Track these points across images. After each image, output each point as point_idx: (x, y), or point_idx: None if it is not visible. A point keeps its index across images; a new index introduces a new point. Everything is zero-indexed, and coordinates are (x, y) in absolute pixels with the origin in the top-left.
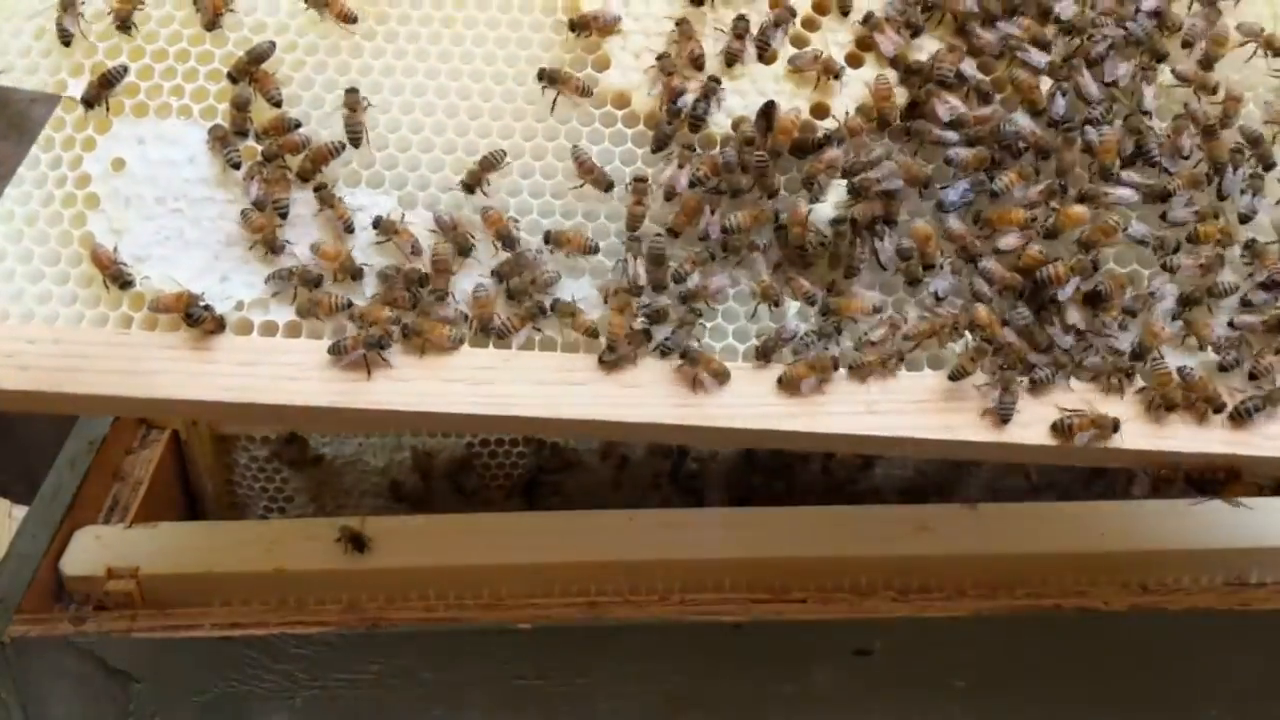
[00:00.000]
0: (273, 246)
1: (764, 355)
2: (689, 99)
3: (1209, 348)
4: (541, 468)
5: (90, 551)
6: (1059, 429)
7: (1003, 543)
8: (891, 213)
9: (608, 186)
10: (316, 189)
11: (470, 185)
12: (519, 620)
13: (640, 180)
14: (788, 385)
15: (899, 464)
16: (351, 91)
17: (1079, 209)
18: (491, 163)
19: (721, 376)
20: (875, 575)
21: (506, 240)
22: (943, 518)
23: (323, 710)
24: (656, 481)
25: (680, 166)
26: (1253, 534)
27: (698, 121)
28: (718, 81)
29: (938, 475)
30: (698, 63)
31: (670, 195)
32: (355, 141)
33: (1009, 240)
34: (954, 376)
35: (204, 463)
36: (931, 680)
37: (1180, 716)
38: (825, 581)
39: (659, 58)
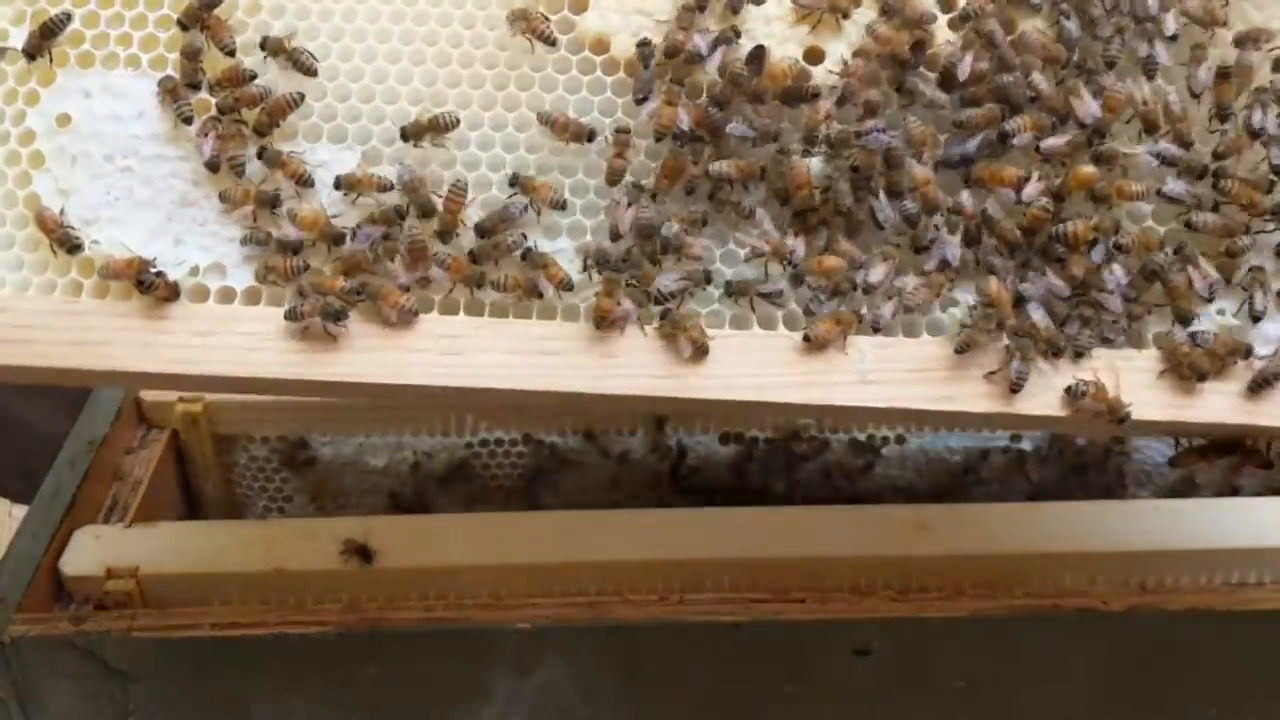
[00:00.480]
0: (273, 203)
1: (734, 294)
2: (700, 42)
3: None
4: (540, 468)
5: (90, 551)
6: (1072, 393)
7: (1003, 543)
8: (894, 165)
9: (589, 136)
10: (260, 153)
11: (407, 135)
12: (519, 620)
13: (622, 131)
14: (817, 344)
15: (898, 464)
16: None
17: (1089, 169)
18: (439, 126)
19: (700, 346)
20: (875, 575)
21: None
22: (943, 518)
23: (323, 710)
24: (656, 481)
25: (669, 104)
26: (1253, 534)
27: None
28: (737, 33)
29: (937, 483)
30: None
31: (661, 135)
32: (308, 71)
33: (1030, 190)
34: (961, 350)
35: (204, 463)
36: (931, 680)
37: (1180, 716)
38: (825, 581)
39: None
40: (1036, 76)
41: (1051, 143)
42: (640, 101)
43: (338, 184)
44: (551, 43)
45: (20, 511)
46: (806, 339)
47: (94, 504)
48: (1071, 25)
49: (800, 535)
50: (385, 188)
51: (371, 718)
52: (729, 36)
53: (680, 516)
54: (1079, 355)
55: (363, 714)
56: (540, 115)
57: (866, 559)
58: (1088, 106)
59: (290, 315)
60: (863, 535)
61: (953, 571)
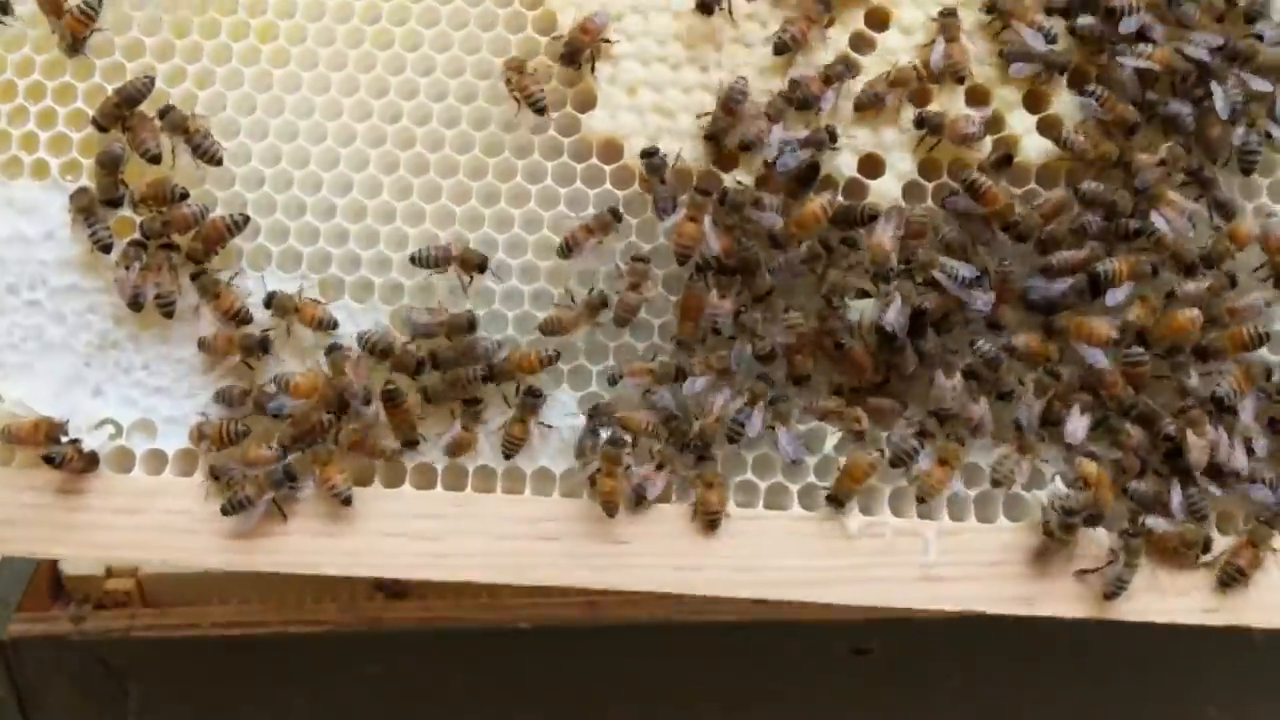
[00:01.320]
0: (264, 348)
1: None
2: (776, 138)
3: None
4: None
5: None
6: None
7: None
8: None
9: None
10: (194, 277)
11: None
12: (519, 620)
13: (639, 260)
14: (926, 493)
15: None
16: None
17: (1187, 314)
18: (459, 327)
19: (713, 519)
20: None
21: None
22: None
23: (322, 710)
24: None
25: (692, 219)
26: None
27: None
28: (834, 137)
29: None
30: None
31: (684, 257)
32: (211, 159)
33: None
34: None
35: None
36: (930, 680)
37: (1180, 717)
38: None
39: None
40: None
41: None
42: (662, 214)
43: (268, 302)
44: (540, 110)
45: None
46: (921, 500)
47: None
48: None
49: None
50: (327, 324)
51: (372, 718)
52: (820, 139)
53: None
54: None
55: (363, 714)
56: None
57: None
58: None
59: (227, 510)
60: None
61: None
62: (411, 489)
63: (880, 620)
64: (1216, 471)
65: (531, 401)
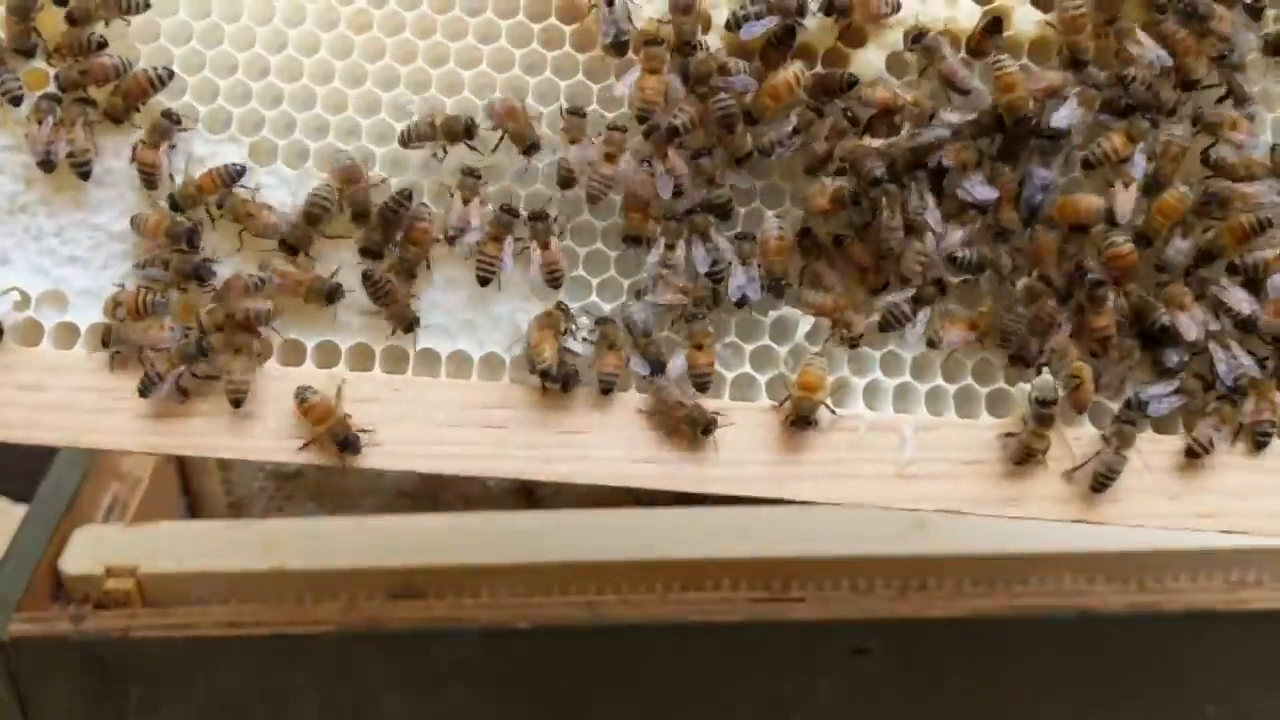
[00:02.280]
0: (189, 239)
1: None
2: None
3: None
4: None
5: (89, 550)
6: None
7: (1002, 543)
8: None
9: (528, 148)
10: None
11: (293, 247)
12: (519, 620)
13: (615, 129)
14: (945, 348)
15: None
16: None
17: (1174, 193)
18: (313, 216)
19: (703, 424)
20: (875, 575)
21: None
22: (942, 517)
23: (322, 710)
24: None
25: (652, 71)
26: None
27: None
28: (802, 9)
29: None
30: None
31: (646, 115)
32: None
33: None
34: (1020, 460)
35: (204, 462)
36: (930, 680)
37: (1179, 716)
38: (825, 581)
39: None
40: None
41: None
42: (612, 50)
43: (173, 204)
44: None
45: (20, 510)
46: (931, 343)
47: (94, 503)
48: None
49: (800, 535)
50: (270, 233)
51: (371, 718)
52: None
53: (680, 516)
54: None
55: (363, 714)
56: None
57: (866, 559)
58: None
59: (144, 389)
60: (863, 535)
61: (952, 571)
62: (346, 369)
63: (880, 620)
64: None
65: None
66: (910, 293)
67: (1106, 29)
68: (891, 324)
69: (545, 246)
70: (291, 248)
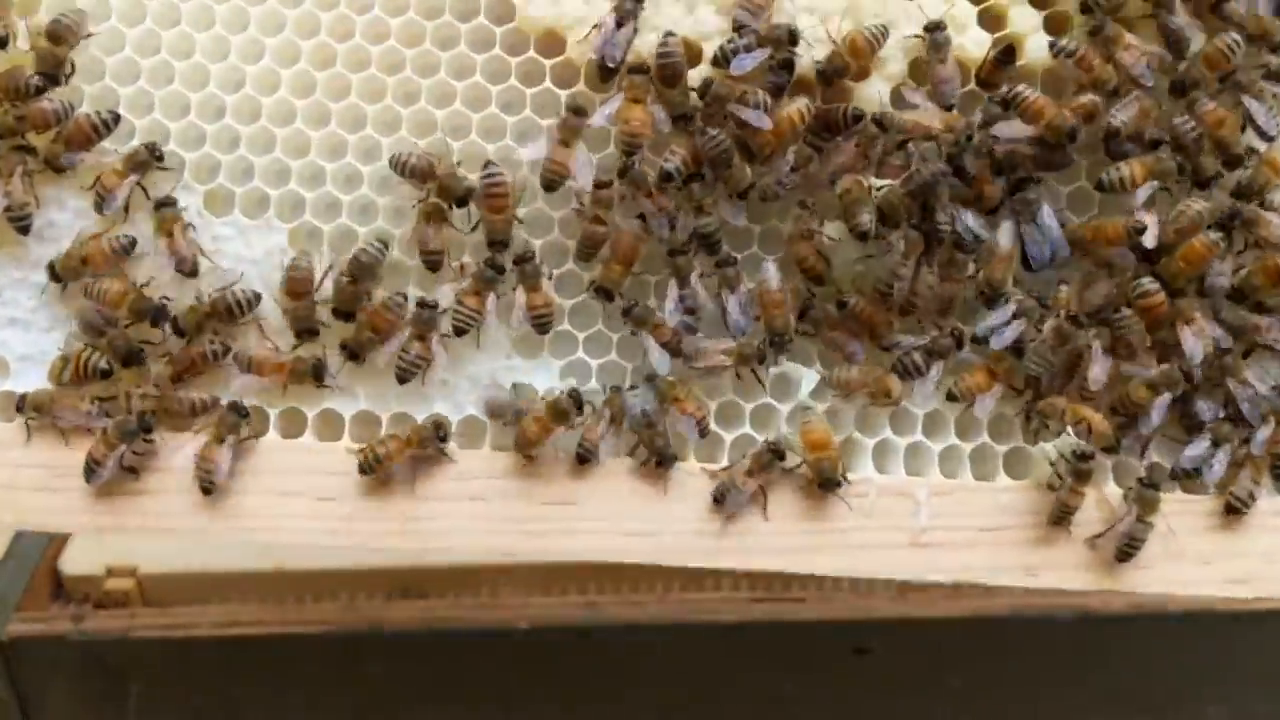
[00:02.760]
0: (156, 321)
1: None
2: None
3: None
4: None
5: (89, 550)
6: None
7: None
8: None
9: (459, 198)
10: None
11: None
12: (519, 620)
13: (602, 186)
14: (964, 398)
15: None
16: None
17: (1204, 239)
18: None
19: (703, 423)
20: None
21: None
22: None
23: (323, 710)
24: None
25: (635, 100)
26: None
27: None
28: (794, 38)
29: None
30: None
31: (630, 149)
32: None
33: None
34: (1057, 519)
35: None
36: (930, 679)
37: (1180, 716)
38: (825, 581)
39: None
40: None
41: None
42: (600, 71)
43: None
44: None
45: None
46: (952, 397)
47: None
48: None
49: None
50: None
51: (371, 718)
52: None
53: None
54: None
55: (363, 714)
56: (392, 159)
57: None
58: None
59: (88, 474)
60: None
61: None
62: (314, 440)
63: (880, 620)
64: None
65: (532, 268)
66: (923, 341)
67: (1098, 41)
68: (902, 376)
69: (534, 289)
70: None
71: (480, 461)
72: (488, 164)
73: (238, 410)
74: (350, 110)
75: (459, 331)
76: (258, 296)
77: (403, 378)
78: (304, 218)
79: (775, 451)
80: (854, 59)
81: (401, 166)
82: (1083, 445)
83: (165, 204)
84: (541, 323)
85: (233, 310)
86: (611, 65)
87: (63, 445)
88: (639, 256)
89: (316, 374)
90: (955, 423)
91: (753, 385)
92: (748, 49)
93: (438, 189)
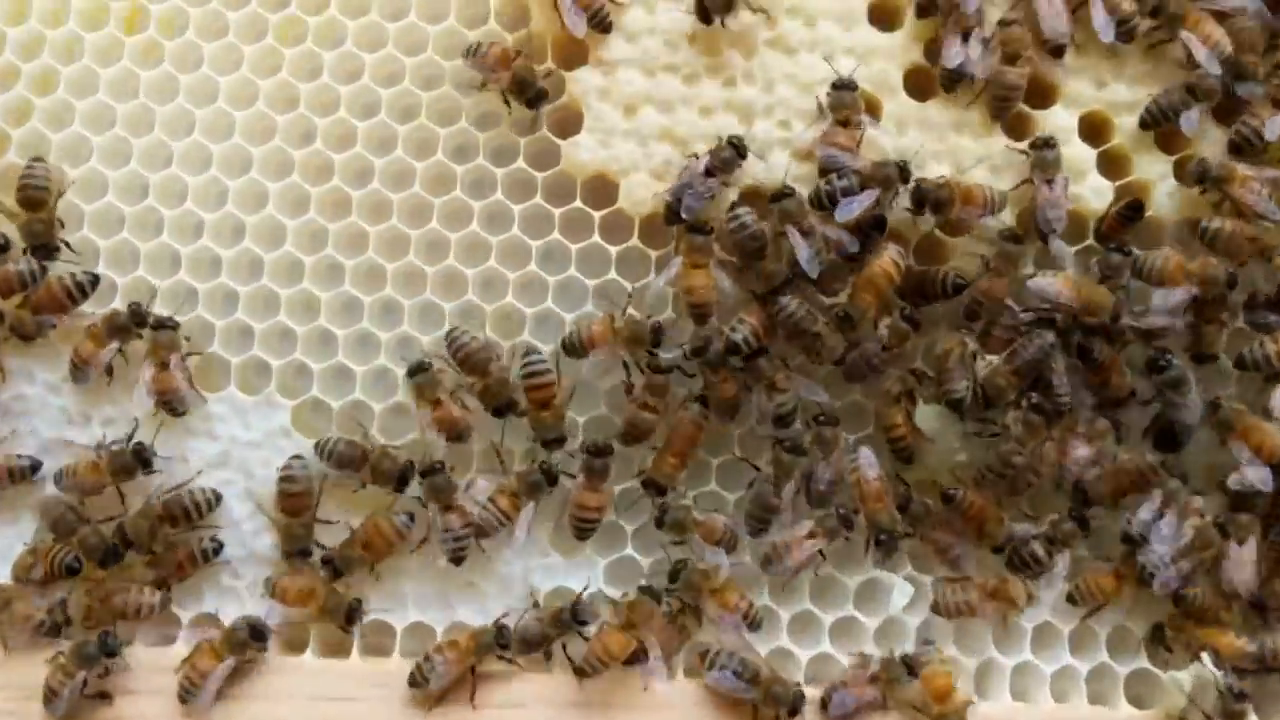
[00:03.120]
0: (105, 563)
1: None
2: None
3: None
4: None
5: None
6: None
7: None
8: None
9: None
10: None
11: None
12: None
13: (659, 371)
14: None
15: None
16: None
17: None
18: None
19: (752, 616)
20: None
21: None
22: None
23: None
24: None
25: (696, 266)
26: None
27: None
28: (906, 174)
29: None
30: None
31: (700, 314)
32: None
33: None
34: None
35: None
36: None
37: None
38: None
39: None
40: None
41: None
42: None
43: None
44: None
45: None
46: (1073, 599)
47: None
48: None
49: None
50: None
51: None
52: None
53: None
54: None
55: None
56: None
57: None
58: None
59: (47, 702)
60: None
61: None
62: (313, 659)
63: None
64: None
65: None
66: (1041, 530)
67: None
68: (1019, 570)
69: (593, 489)
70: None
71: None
72: (527, 352)
73: (257, 633)
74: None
75: (481, 535)
76: (218, 496)
77: (458, 559)
78: (311, 390)
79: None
80: (961, 207)
81: (326, 453)
82: (1235, 684)
83: (164, 325)
84: (585, 527)
85: (190, 514)
86: (686, 216)
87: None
88: (698, 446)
89: (350, 617)
90: (1070, 637)
91: (836, 589)
92: (846, 191)
93: (370, 474)
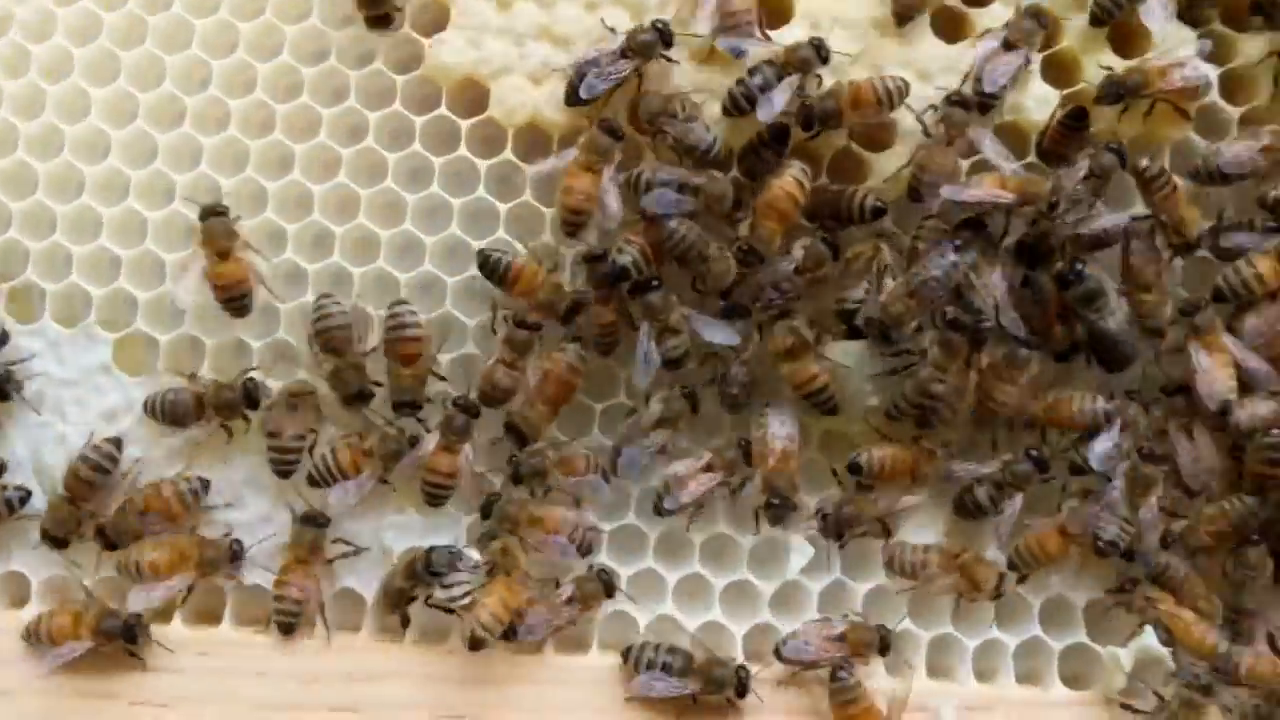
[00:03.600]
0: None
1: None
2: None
3: None
4: None
5: None
6: None
7: None
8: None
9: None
10: None
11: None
12: None
13: (523, 326)
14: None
15: None
16: None
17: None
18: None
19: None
20: None
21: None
22: None
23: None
24: None
25: (588, 169)
26: None
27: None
28: (824, 55)
29: None
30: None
31: (574, 221)
32: None
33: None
34: None
35: None
36: None
37: None
38: None
39: None
40: None
41: None
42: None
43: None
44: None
45: None
46: (1011, 565)
47: None
48: None
49: None
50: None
51: None
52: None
53: None
54: None
55: None
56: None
57: None
58: None
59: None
60: None
61: None
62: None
63: None
64: None
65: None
66: (988, 470)
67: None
68: (965, 517)
69: (450, 450)
70: None
71: None
72: (395, 302)
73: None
74: None
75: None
76: (28, 493)
77: (283, 473)
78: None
79: None
80: (853, 112)
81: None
82: (1203, 674)
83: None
84: (434, 494)
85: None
86: (585, 95)
87: None
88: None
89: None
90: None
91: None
92: (764, 87)
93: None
